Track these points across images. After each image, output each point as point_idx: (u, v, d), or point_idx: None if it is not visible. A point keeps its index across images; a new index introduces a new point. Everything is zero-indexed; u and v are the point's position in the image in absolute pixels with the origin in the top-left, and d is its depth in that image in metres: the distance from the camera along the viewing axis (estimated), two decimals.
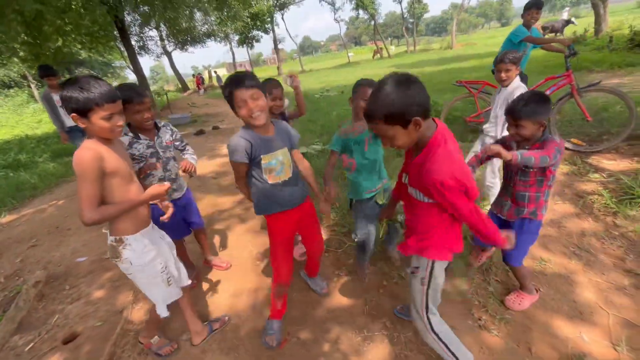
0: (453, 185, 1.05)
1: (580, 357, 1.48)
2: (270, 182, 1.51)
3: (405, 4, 37.56)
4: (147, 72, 62.36)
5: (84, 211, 1.18)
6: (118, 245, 1.35)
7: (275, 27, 28.12)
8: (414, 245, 1.30)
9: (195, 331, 1.79)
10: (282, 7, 27.61)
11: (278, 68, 29.63)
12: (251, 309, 2.05)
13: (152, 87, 24.98)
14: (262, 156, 1.47)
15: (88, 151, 1.20)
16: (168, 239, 1.63)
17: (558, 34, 14.18)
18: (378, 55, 31.32)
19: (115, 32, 10.24)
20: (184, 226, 2.16)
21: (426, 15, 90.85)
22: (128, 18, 12.74)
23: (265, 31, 26.30)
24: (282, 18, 29.09)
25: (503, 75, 2.25)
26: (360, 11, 30.18)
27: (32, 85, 21.27)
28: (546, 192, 1.57)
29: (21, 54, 9.63)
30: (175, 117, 9.61)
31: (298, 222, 1.69)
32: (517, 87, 2.22)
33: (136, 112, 1.69)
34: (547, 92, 3.47)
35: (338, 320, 1.88)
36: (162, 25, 15.74)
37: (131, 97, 1.64)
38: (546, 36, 15.95)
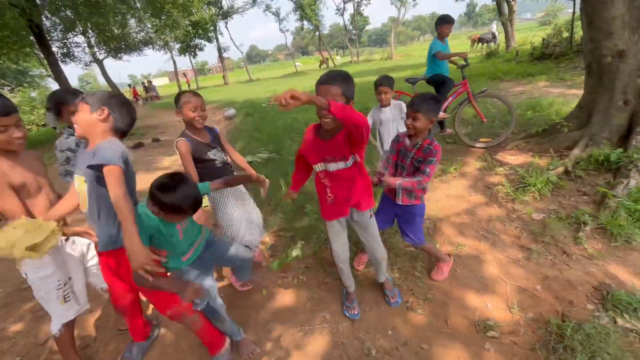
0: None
1: (484, 321, 1.75)
2: None
3: (347, 16, 39.39)
4: (74, 82, 56.33)
5: None
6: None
7: (220, 36, 27.56)
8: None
9: None
10: (225, 15, 27.18)
11: (224, 77, 28.97)
12: None
13: None
14: None
15: None
16: (83, 249, 1.65)
17: (490, 44, 16.13)
18: (324, 65, 32.34)
19: (31, 37, 9.21)
20: None
21: (368, 27, 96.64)
22: (47, 23, 11.54)
23: (209, 40, 25.60)
24: (226, 27, 28.66)
25: (383, 97, 2.66)
26: (305, 22, 31.00)
27: None
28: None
29: None
30: None
31: None
32: (398, 104, 2.71)
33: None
34: (450, 98, 4.03)
35: (280, 320, 1.96)
36: (89, 31, 14.49)
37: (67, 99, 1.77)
38: (478, 46, 18.09)
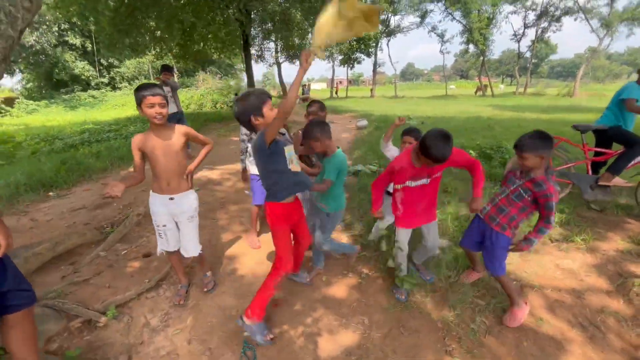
0: None
1: None
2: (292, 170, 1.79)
3: (527, 42, 34.41)
4: (259, 77, 71.02)
5: None
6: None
7: (379, 51, 29.27)
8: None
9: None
10: (390, 34, 28.60)
11: (371, 90, 30.64)
12: None
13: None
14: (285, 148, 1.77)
15: None
16: (177, 212, 2.11)
17: None
18: (480, 92, 29.55)
19: (240, 42, 12.48)
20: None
21: (553, 57, 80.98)
22: (252, 32, 15.24)
23: (368, 54, 27.60)
24: (387, 44, 30.10)
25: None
26: (471, 45, 29.07)
27: (175, 77, 26.80)
28: (523, 219, 1.90)
29: (174, 51, 12.44)
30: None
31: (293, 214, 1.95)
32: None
33: None
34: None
35: (326, 304, 2.25)
36: (278, 40, 18.22)
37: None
38: None
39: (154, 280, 2.42)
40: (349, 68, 29.16)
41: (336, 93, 31.95)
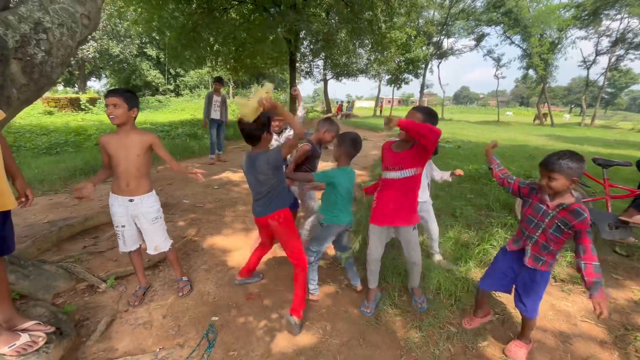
0: None
1: None
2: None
3: (598, 69, 31.41)
4: (310, 92, 73.59)
5: None
6: None
7: (429, 73, 28.84)
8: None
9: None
10: (442, 56, 28.10)
11: None
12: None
13: (308, 106, 29.93)
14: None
15: None
16: (136, 214, 2.14)
17: None
18: (538, 120, 27.40)
19: (288, 59, 13.29)
20: None
21: (636, 87, 71.83)
22: (301, 50, 16.09)
23: (416, 75, 27.34)
24: (438, 66, 29.56)
25: None
26: (531, 71, 27.30)
27: (230, 87, 29.11)
28: (560, 250, 1.74)
29: (228, 65, 13.62)
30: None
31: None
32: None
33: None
34: None
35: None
36: (325, 58, 18.97)
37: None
38: None
39: (152, 262, 2.72)
40: (396, 88, 29.09)
41: (380, 112, 31.94)
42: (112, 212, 2.11)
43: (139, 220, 2.15)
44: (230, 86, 29.91)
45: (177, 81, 30.81)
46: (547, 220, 1.66)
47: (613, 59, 25.65)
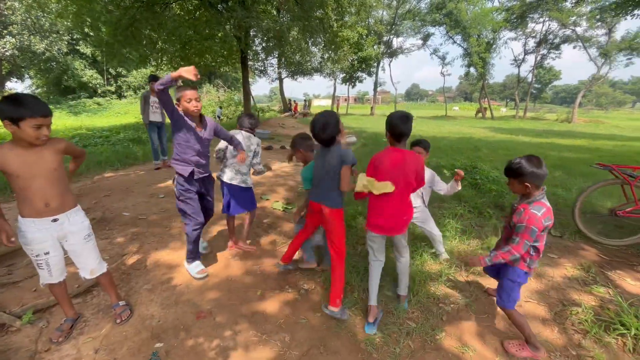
0: None
1: None
2: None
3: (528, 67, 34.95)
4: (267, 92, 72.33)
5: None
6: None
7: (381, 72, 29.83)
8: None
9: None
10: (392, 55, 29.23)
11: (372, 108, 31.07)
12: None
13: (264, 105, 29.27)
14: None
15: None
16: (66, 233, 1.85)
17: None
18: (480, 114, 29.80)
19: (239, 57, 12.80)
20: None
21: (558, 83, 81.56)
22: (254, 48, 15.65)
23: (369, 74, 28.13)
24: (389, 65, 30.72)
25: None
26: (472, 68, 29.55)
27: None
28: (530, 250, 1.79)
29: (175, 64, 12.77)
30: (258, 132, 11.23)
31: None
32: (430, 172, 2.65)
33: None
34: None
35: (251, 319, 2.18)
36: (280, 57, 18.66)
37: None
38: None
39: (84, 287, 2.38)
40: (351, 86, 29.66)
41: (337, 109, 32.37)
42: (27, 240, 1.74)
43: (68, 241, 1.87)
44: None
45: (119, 82, 28.27)
46: (510, 223, 1.88)
47: (538, 58, 28.74)
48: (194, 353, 1.88)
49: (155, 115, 5.65)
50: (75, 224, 1.87)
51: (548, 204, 1.71)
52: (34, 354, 1.83)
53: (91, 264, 2.00)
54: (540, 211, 1.66)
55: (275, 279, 2.65)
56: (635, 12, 9.55)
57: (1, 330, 1.97)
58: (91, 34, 11.04)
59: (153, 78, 5.54)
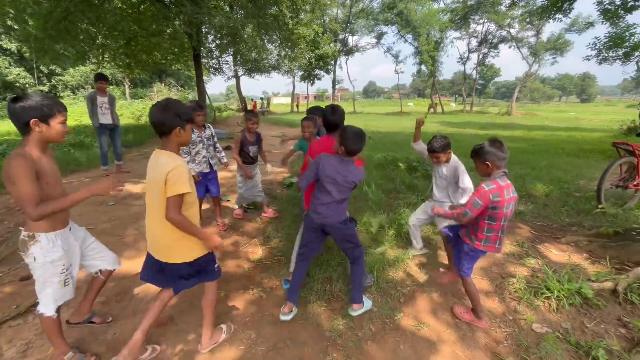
0: None
1: None
2: None
3: (472, 64, 37.75)
4: (223, 90, 69.78)
5: (28, 209, 1.36)
6: (29, 240, 1.51)
7: (339, 69, 30.38)
8: None
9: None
10: (348, 52, 29.86)
11: None
12: None
13: (221, 104, 28.27)
14: None
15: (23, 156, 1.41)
16: (81, 235, 1.82)
17: None
18: (432, 109, 31.66)
19: (191, 55, 12.22)
20: (204, 191, 3.31)
21: (498, 79, 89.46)
22: (207, 45, 15.05)
23: (327, 71, 28.49)
24: (346, 62, 31.36)
25: (435, 160, 2.56)
26: (423, 66, 31.23)
27: (126, 86, 25.49)
28: (483, 227, 1.95)
29: (120, 62, 11.88)
30: (216, 131, 10.86)
31: None
32: (453, 166, 2.51)
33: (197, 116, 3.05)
34: None
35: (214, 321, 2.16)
36: (236, 54, 18.15)
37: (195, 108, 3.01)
38: None
39: (24, 307, 2.17)
40: (310, 84, 29.81)
41: (297, 107, 32.38)
42: (59, 255, 1.59)
43: (85, 242, 1.86)
44: (126, 85, 26.13)
45: (53, 81, 25.44)
46: None
47: (480, 56, 31.22)
48: None
49: (106, 117, 5.20)
50: (74, 225, 1.81)
51: (502, 184, 1.85)
52: None
53: (111, 252, 2.01)
54: (489, 186, 1.84)
55: (238, 280, 2.64)
56: (558, 15, 10.78)
57: None
58: (16, 27, 9.83)
59: (100, 77, 5.12)
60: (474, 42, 31.24)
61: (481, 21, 27.87)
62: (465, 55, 32.61)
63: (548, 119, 23.16)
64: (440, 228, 2.59)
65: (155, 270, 1.79)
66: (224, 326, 2.04)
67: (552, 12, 10.65)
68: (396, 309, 2.26)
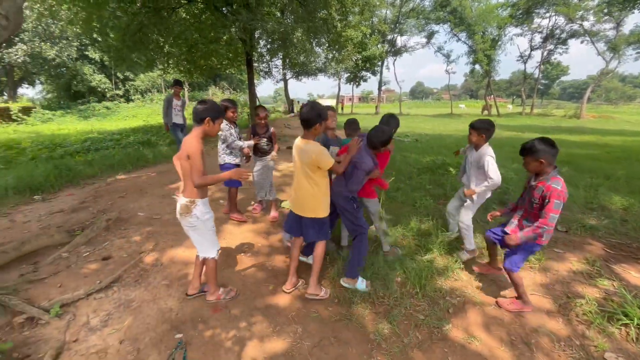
0: None
1: None
2: None
3: (535, 63, 34.46)
4: (272, 93, 72.62)
5: (196, 177, 1.94)
6: (191, 204, 2.04)
7: (385, 70, 29.82)
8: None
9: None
10: (396, 53, 29.16)
11: (376, 107, 31.05)
12: None
13: (269, 106, 29.51)
14: None
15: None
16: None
17: None
18: (486, 111, 29.55)
19: (244, 59, 12.94)
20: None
21: (565, 78, 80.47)
22: (259, 50, 15.79)
23: (374, 73, 28.11)
24: (394, 63, 30.67)
25: (468, 137, 2.63)
26: (477, 66, 29.31)
27: (185, 90, 27.78)
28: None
29: (181, 68, 13.00)
30: None
31: None
32: (479, 154, 2.51)
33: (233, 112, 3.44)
34: None
35: (264, 312, 2.28)
36: (285, 58, 18.80)
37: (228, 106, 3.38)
38: None
39: (105, 282, 2.50)
40: (355, 85, 29.69)
41: (342, 109, 32.43)
42: (211, 215, 2.17)
43: None
44: (186, 89, 28.47)
45: (127, 86, 28.66)
46: (526, 199, 2.12)
47: (545, 53, 28.40)
48: (212, 343, 1.98)
49: (178, 118, 6.11)
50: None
51: (562, 178, 1.89)
52: (63, 344, 1.95)
53: None
54: (559, 185, 1.86)
55: (286, 275, 2.74)
56: None
57: (31, 323, 2.11)
58: (100, 39, 11.30)
59: (177, 83, 5.85)
60: (538, 38, 28.52)
61: (547, 15, 25.35)
62: (527, 53, 29.90)
63: (628, 123, 20.28)
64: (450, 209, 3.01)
65: (294, 221, 2.41)
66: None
67: (638, 1, 9.33)
68: (444, 319, 2.18)
